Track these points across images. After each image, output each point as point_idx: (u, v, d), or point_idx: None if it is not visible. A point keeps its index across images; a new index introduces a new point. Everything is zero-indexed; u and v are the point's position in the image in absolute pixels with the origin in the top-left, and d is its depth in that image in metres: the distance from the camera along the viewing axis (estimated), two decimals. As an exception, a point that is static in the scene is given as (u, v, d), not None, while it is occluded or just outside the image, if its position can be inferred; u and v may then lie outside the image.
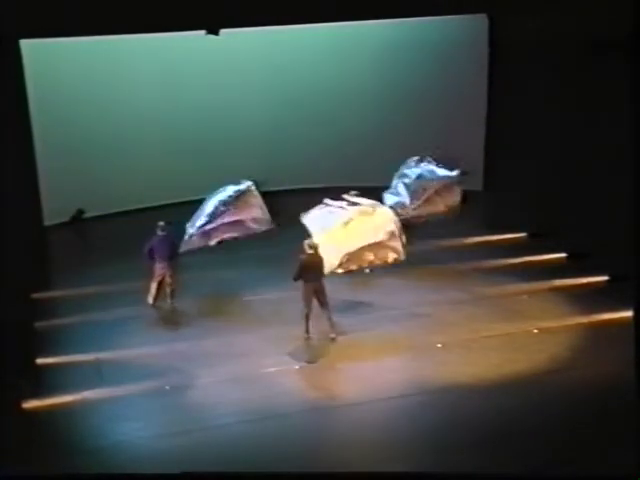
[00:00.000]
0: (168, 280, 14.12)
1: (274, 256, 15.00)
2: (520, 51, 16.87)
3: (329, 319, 13.05)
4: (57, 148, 17.06)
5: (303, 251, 12.88)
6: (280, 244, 14.58)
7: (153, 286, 14.14)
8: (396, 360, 12.60)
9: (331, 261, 13.15)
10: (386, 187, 16.24)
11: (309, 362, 12.54)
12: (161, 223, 14.14)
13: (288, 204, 16.24)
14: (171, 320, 14.12)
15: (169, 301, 14.22)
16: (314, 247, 12.92)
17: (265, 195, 15.23)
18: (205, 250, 14.67)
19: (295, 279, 12.85)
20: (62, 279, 15.17)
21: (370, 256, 13.48)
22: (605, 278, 14.69)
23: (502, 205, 17.93)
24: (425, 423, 11.14)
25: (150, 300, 14.16)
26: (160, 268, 14.05)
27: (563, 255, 15.76)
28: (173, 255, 14.17)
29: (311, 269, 12.82)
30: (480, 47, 18.56)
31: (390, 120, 19.15)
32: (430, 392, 11.74)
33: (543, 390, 11.71)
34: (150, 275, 14.13)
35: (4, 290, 11.88)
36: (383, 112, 19.14)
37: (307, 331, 13.07)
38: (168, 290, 14.19)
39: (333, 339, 13.02)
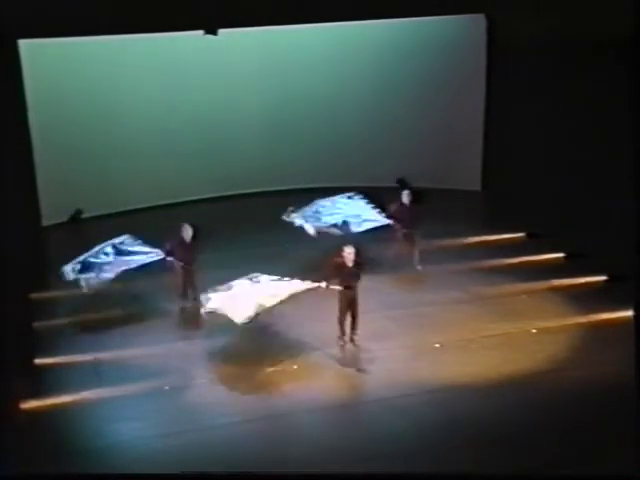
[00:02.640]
0: (191, 281, 14.11)
1: (274, 256, 15.01)
2: (519, 51, 16.87)
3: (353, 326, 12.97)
4: (55, 148, 17.03)
5: (339, 256, 12.74)
6: (280, 244, 14.59)
7: (181, 286, 14.12)
8: (395, 360, 12.58)
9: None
10: (384, 187, 16.29)
11: (308, 362, 12.53)
12: (186, 225, 14.06)
13: (288, 204, 16.23)
14: (171, 320, 14.09)
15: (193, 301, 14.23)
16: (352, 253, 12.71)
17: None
18: (204, 250, 14.67)
19: (325, 280, 12.65)
20: (61, 279, 15.12)
21: None
22: (604, 278, 14.71)
23: (501, 205, 17.94)
24: (424, 423, 11.14)
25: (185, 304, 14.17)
26: (184, 273, 14.06)
27: (562, 255, 15.78)
28: (193, 260, 14.13)
29: (344, 274, 12.69)
30: (479, 47, 18.59)
31: (389, 120, 19.16)
32: (429, 392, 11.74)
33: (542, 390, 11.72)
34: (173, 276, 14.13)
35: (3, 290, 11.85)
36: (382, 112, 19.15)
37: (341, 335, 12.89)
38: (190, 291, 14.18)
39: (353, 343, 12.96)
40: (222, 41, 15.33)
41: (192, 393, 11.93)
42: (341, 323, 12.88)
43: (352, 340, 12.92)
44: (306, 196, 16.56)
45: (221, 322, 13.69)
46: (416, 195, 15.54)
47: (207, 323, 13.81)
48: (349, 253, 12.67)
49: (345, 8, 13.23)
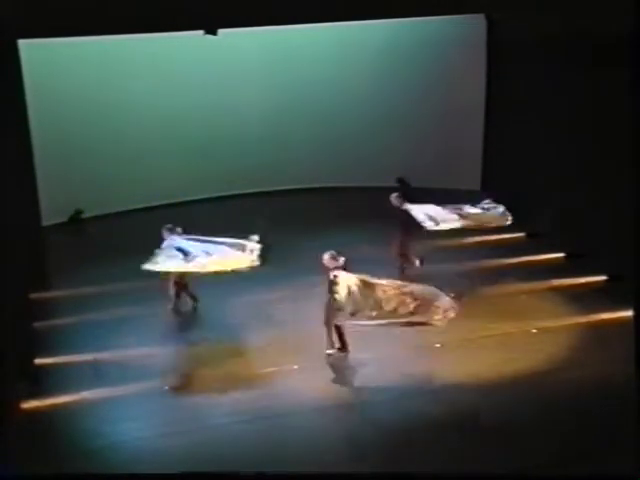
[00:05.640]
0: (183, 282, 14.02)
1: (273, 256, 14.98)
2: (519, 51, 16.88)
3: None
4: (55, 148, 17.01)
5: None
6: (279, 244, 14.56)
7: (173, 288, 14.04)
8: (395, 360, 12.59)
9: None
10: (384, 187, 16.26)
11: (308, 362, 12.52)
12: (168, 225, 13.92)
13: (287, 204, 16.26)
14: (171, 320, 14.09)
15: (192, 303, 14.22)
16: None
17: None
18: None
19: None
20: (60, 279, 15.13)
21: None
22: (604, 278, 14.71)
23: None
24: (424, 423, 11.14)
25: (172, 305, 14.10)
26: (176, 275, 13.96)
27: (561, 255, 15.78)
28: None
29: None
30: (479, 47, 18.58)
31: (389, 120, 19.16)
32: (429, 392, 11.76)
33: (542, 390, 11.73)
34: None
35: (2, 290, 11.86)
36: (382, 112, 19.14)
37: (331, 345, 12.69)
38: (188, 292, 14.14)
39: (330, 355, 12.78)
40: (222, 41, 15.32)
41: (192, 393, 11.94)
42: (330, 330, 12.63)
43: (346, 348, 12.76)
44: (306, 196, 16.58)
45: (221, 321, 13.78)
46: (406, 195, 15.44)
47: (207, 323, 13.86)
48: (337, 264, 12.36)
49: (345, 8, 13.24)
